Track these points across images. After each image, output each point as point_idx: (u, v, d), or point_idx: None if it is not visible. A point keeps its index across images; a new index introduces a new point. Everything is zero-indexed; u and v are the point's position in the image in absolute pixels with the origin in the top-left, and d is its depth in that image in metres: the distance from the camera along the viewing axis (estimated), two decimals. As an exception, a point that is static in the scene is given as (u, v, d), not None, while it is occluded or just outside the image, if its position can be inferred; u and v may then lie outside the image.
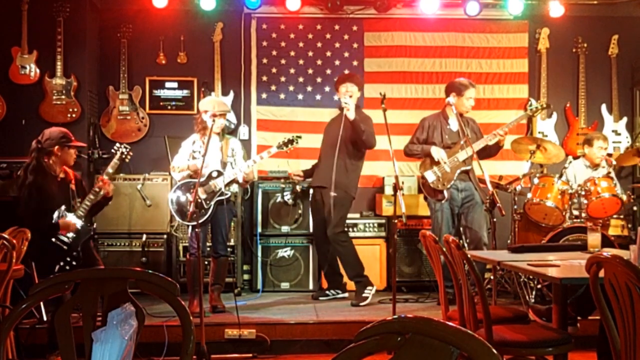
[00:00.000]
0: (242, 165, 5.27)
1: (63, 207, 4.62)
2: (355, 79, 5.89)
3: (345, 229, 5.90)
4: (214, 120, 5.03)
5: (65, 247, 4.57)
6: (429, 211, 5.95)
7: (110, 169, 4.77)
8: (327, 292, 5.95)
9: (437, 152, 5.58)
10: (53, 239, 4.55)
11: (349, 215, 6.48)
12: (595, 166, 6.11)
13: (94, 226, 4.84)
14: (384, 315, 3.03)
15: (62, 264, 4.54)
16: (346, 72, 6.99)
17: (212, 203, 5.14)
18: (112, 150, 4.90)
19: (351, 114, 5.52)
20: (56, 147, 4.61)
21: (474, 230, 5.63)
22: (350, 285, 5.84)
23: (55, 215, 4.59)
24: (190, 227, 5.18)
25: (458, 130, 5.68)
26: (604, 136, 6.25)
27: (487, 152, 5.73)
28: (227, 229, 5.45)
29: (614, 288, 2.38)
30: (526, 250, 4.12)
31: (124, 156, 4.85)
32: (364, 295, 5.63)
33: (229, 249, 5.70)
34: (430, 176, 5.58)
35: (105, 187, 4.71)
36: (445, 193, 5.56)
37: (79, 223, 4.62)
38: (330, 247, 5.81)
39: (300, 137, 5.46)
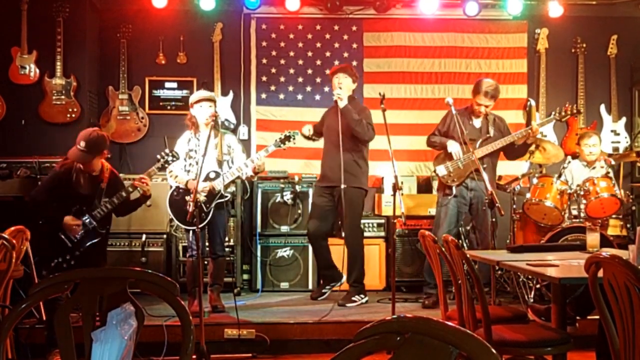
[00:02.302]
0: (244, 161, 5.19)
1: (77, 207, 4.61)
2: (348, 70, 5.75)
3: (361, 230, 5.87)
4: (214, 120, 4.99)
5: (69, 244, 4.57)
6: (428, 210, 5.93)
7: (151, 172, 4.77)
8: (323, 290, 5.94)
9: (452, 147, 5.46)
10: (60, 233, 4.55)
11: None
12: (589, 163, 6.07)
13: (106, 230, 4.78)
14: (383, 315, 3.04)
15: (60, 259, 4.53)
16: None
17: (212, 206, 5.10)
18: (158, 156, 4.83)
19: (342, 103, 5.47)
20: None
21: (483, 233, 5.55)
22: (346, 286, 5.84)
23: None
24: (190, 232, 5.09)
25: (481, 128, 5.59)
26: (590, 134, 6.18)
27: (516, 153, 5.64)
28: (225, 229, 5.43)
29: (613, 288, 2.39)
30: (525, 250, 4.13)
31: (166, 165, 4.83)
32: (353, 298, 5.61)
33: (227, 249, 5.69)
34: (442, 170, 5.50)
35: (142, 185, 4.71)
36: (454, 189, 5.47)
37: (90, 224, 4.60)
38: (324, 242, 5.78)
39: (297, 133, 5.32)
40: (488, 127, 5.56)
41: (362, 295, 5.67)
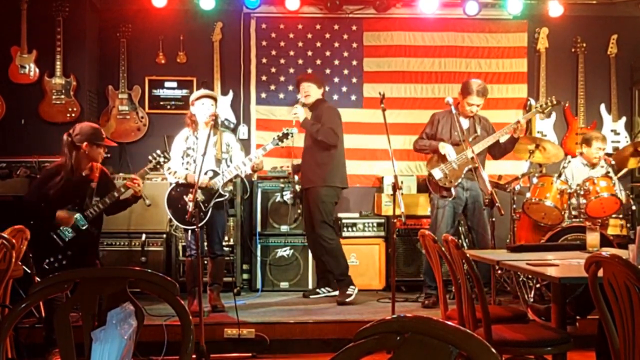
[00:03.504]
0: (242, 160, 5.19)
1: (69, 206, 4.60)
2: (311, 78, 6.02)
3: (331, 226, 5.84)
4: (214, 120, 4.99)
5: (60, 243, 4.56)
6: (428, 210, 5.91)
7: (143, 173, 4.79)
8: (317, 290, 5.96)
9: (444, 149, 5.49)
10: (52, 233, 4.55)
11: (348, 215, 6.51)
12: (592, 165, 6.09)
13: (98, 230, 4.77)
14: (383, 315, 3.03)
15: (52, 259, 4.52)
16: (345, 72, 7.02)
17: (210, 205, 5.10)
18: (150, 158, 4.85)
19: (300, 118, 5.75)
20: (85, 143, 4.60)
21: (480, 233, 5.57)
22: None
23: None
24: (189, 231, 5.10)
25: (469, 128, 5.61)
26: (603, 136, 6.21)
27: (503, 149, 5.68)
28: (224, 229, 5.42)
29: (613, 287, 2.39)
30: (525, 250, 4.13)
31: (158, 166, 4.84)
32: (348, 292, 5.64)
33: (226, 249, 5.67)
34: (438, 173, 5.49)
35: (134, 186, 4.71)
36: (452, 190, 5.46)
37: (82, 222, 4.59)
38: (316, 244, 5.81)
39: (295, 130, 5.35)
40: (475, 126, 5.59)
41: (352, 287, 5.71)
